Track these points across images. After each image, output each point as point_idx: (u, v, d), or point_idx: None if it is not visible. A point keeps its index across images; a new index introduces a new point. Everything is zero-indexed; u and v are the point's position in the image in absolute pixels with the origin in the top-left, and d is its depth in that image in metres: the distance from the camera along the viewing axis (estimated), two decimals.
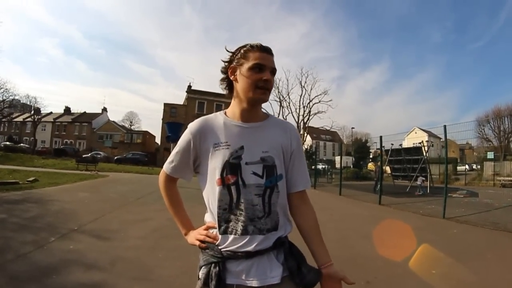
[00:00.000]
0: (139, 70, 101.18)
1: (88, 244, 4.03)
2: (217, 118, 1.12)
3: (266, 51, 1.07)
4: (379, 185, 11.35)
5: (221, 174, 1.03)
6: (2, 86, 33.55)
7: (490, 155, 22.81)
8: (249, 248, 0.99)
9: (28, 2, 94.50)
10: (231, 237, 1.01)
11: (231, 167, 1.02)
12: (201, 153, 1.08)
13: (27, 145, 39.32)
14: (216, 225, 1.04)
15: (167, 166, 1.17)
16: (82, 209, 6.46)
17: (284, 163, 1.11)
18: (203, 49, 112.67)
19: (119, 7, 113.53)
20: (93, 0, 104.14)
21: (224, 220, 1.03)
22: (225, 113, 1.14)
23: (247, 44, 1.08)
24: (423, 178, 13.13)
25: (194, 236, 1.13)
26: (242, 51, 1.08)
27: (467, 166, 27.58)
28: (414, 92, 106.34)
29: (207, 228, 1.09)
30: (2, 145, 36.17)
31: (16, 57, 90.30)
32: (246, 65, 1.05)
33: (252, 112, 1.10)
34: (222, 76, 1.16)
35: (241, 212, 1.01)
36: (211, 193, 1.06)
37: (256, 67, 1.04)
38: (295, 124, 26.39)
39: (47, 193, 8.74)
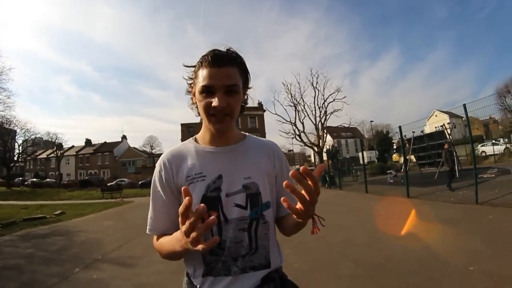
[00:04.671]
0: (153, 95, 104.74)
1: (111, 272, 4.04)
2: (187, 146, 0.96)
3: (217, 63, 0.82)
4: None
5: None
6: (23, 127, 35.47)
7: None
8: None
9: (36, 45, 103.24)
10: (210, 279, 0.87)
11: (210, 202, 0.84)
12: (177, 192, 0.89)
13: (53, 180, 40.97)
14: (201, 268, 0.89)
15: (148, 224, 0.94)
16: (106, 238, 6.57)
17: (269, 189, 0.94)
18: None
19: (124, 38, 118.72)
20: (98, 34, 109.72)
21: (205, 263, 0.88)
22: (195, 139, 0.98)
23: (201, 57, 0.86)
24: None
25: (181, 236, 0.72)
26: (196, 67, 0.88)
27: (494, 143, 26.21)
28: (429, 73, 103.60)
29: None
30: (29, 182, 37.82)
31: (33, 98, 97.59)
32: (197, 87, 0.86)
33: (224, 134, 0.92)
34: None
35: (223, 251, 0.87)
36: None
37: (204, 91, 0.83)
38: (312, 127, 26.09)
39: (73, 224, 8.98)
